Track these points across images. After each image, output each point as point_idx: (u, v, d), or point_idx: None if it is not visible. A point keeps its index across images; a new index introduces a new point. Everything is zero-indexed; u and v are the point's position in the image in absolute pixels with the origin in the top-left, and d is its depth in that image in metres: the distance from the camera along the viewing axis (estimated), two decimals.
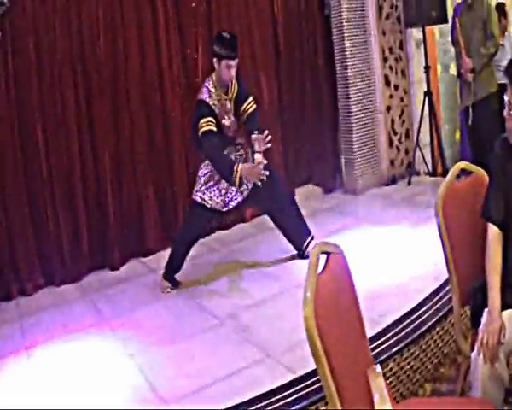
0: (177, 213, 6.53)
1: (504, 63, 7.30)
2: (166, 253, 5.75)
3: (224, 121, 5.20)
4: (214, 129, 5.02)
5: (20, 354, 4.50)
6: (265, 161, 5.03)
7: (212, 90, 5.16)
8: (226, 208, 5.34)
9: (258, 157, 5.03)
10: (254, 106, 5.34)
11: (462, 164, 3.13)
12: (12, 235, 5.65)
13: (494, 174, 2.88)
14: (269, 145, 5.06)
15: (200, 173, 5.36)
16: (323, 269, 2.10)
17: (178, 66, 6.59)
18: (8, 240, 5.63)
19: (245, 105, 5.27)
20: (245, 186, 5.23)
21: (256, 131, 5.13)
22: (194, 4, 6.60)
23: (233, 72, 5.10)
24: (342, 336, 2.10)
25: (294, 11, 7.59)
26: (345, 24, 7.45)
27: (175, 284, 5.39)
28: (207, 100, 5.11)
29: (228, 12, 6.87)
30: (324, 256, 2.15)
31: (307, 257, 4.99)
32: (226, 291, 5.16)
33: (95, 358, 4.32)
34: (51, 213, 5.84)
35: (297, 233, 5.48)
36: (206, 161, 5.26)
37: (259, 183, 4.99)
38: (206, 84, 5.22)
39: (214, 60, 5.12)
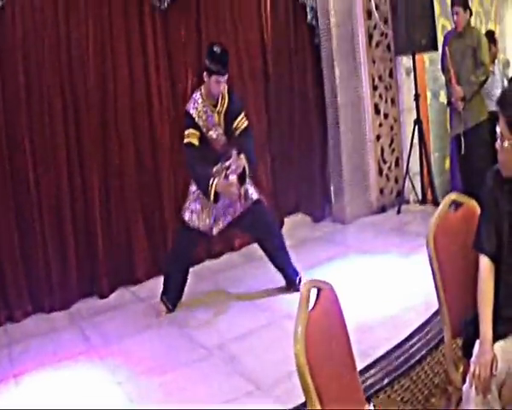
0: (166, 241, 6.47)
1: (495, 91, 7.48)
2: (155, 282, 5.82)
3: (210, 133, 5.17)
4: (194, 141, 5.08)
5: (8, 382, 4.45)
6: (235, 189, 5.01)
7: (199, 101, 5.16)
8: (212, 231, 5.31)
9: (232, 179, 5.00)
10: (246, 123, 5.26)
11: (454, 195, 3.12)
12: (0, 261, 5.60)
13: (486, 206, 2.86)
14: (240, 170, 5.02)
15: (190, 189, 5.37)
16: (314, 305, 2.11)
17: (167, 91, 6.59)
18: None
19: (236, 122, 5.19)
20: (231, 210, 5.23)
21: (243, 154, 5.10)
22: (183, 39, 6.65)
23: (222, 87, 5.09)
24: (333, 372, 2.08)
25: (284, 40, 7.61)
26: (334, 52, 7.47)
27: (170, 309, 5.40)
28: (191, 111, 5.14)
29: (217, 40, 6.81)
30: (315, 291, 2.14)
31: (296, 290, 5.04)
32: (215, 321, 5.12)
33: (83, 386, 4.29)
34: (40, 239, 5.79)
35: (287, 266, 5.42)
36: None
37: (239, 209, 5.12)
38: (194, 96, 5.25)
39: (204, 73, 5.11)
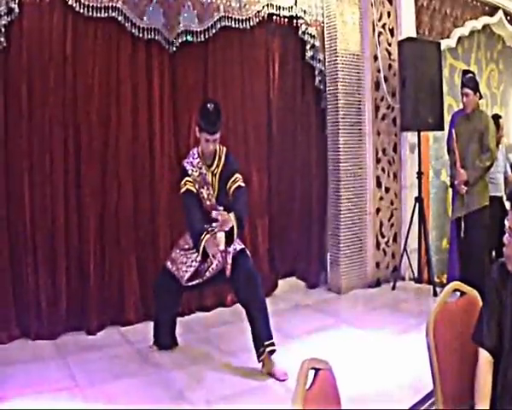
0: None
1: (496, 175, 7.51)
2: (145, 325, 5.83)
3: (202, 191, 5.11)
4: (192, 188, 5.04)
5: None
6: (222, 248, 4.86)
7: (196, 157, 5.13)
8: (189, 283, 5.19)
9: (220, 236, 4.85)
10: (238, 183, 5.08)
11: (456, 284, 3.10)
12: None
13: (489, 299, 2.84)
14: (227, 227, 4.84)
15: (179, 241, 5.34)
16: (311, 385, 2.07)
17: (170, 136, 6.60)
18: None
19: (230, 182, 5.07)
20: (211, 269, 5.13)
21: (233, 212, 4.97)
22: (189, 86, 6.67)
23: (211, 146, 4.99)
24: None
25: (290, 101, 7.66)
26: (340, 120, 7.53)
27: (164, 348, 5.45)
28: (187, 166, 5.11)
29: (224, 94, 6.90)
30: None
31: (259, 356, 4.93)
32: (201, 378, 4.97)
33: None
34: (32, 268, 5.75)
35: (261, 329, 5.03)
36: None
37: (228, 272, 4.99)
38: (192, 151, 5.23)
39: (196, 129, 5.09)
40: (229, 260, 4.96)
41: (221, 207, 5.04)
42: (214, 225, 4.91)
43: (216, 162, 5.13)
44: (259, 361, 4.96)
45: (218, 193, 5.13)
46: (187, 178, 5.06)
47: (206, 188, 5.11)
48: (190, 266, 5.14)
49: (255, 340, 5.00)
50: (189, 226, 5.07)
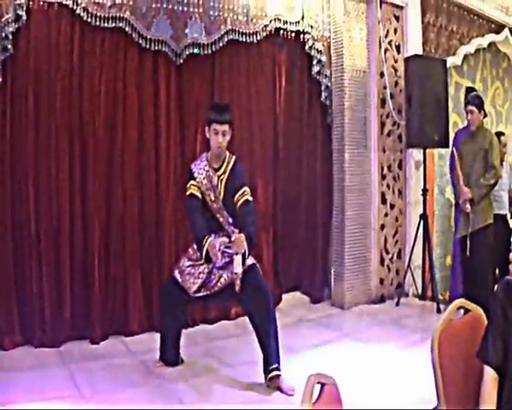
0: None
1: (500, 193, 7.50)
2: (149, 336, 5.92)
3: (209, 193, 5.09)
4: (196, 193, 5.06)
5: None
6: (239, 270, 4.81)
7: (204, 160, 5.16)
8: (197, 294, 5.14)
9: (237, 259, 4.79)
10: (246, 197, 5.05)
11: (461, 301, 3.08)
12: None
13: (494, 317, 2.82)
14: (243, 250, 4.77)
15: (188, 250, 5.31)
16: (317, 399, 2.05)
17: (176, 147, 6.61)
18: None
19: (238, 195, 5.03)
20: (220, 283, 5.08)
21: (239, 230, 4.99)
22: (195, 97, 6.66)
23: (220, 138, 4.98)
24: None
25: (296, 115, 7.66)
26: (346, 135, 7.54)
27: (170, 364, 5.38)
28: (193, 168, 5.15)
29: (230, 108, 6.85)
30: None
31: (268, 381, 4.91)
32: (205, 390, 4.94)
33: None
34: (36, 275, 5.75)
35: (271, 346, 4.99)
36: None
37: (237, 288, 4.93)
38: (202, 156, 5.26)
39: (206, 129, 5.11)
40: (240, 275, 4.89)
41: (236, 231, 5.03)
42: (231, 251, 4.91)
43: (223, 168, 5.14)
44: (266, 382, 4.94)
45: (223, 197, 5.11)
46: (192, 182, 5.09)
47: (212, 191, 5.10)
48: (198, 277, 5.10)
49: (264, 359, 4.99)
50: (192, 230, 5.11)
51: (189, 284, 5.12)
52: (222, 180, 5.12)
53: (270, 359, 4.95)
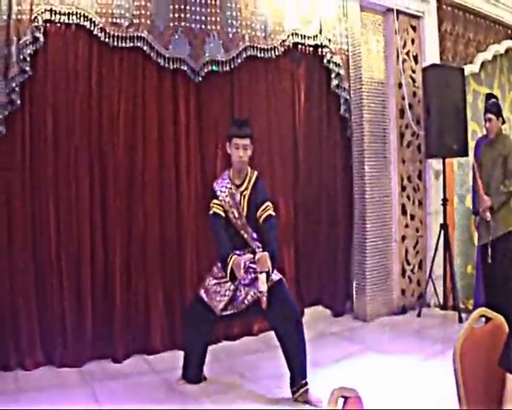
0: None
1: None
2: (172, 354, 5.94)
3: (232, 210, 5.12)
4: (219, 212, 5.08)
5: None
6: (264, 289, 4.77)
7: (226, 177, 5.20)
8: (224, 312, 5.16)
9: (262, 277, 4.78)
10: (269, 212, 5.06)
11: (482, 310, 3.08)
12: (15, 308, 5.60)
13: None
14: (267, 269, 4.76)
15: (213, 268, 5.31)
16: None
17: (196, 165, 6.63)
18: (12, 313, 5.59)
19: (260, 210, 5.05)
20: (247, 300, 5.09)
21: (262, 247, 5.02)
22: (215, 115, 6.70)
23: (241, 153, 5.02)
24: None
25: (315, 129, 7.68)
26: (366, 148, 7.57)
27: (193, 382, 5.38)
28: (215, 187, 5.18)
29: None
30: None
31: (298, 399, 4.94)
32: (228, 407, 4.92)
33: None
34: (57, 295, 5.79)
35: (297, 362, 5.04)
36: None
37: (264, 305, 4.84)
38: (224, 173, 5.29)
39: (227, 144, 5.16)
40: (265, 293, 4.83)
41: (260, 247, 5.06)
42: (256, 267, 4.90)
43: (245, 184, 5.17)
44: (294, 397, 4.98)
45: (247, 213, 5.13)
46: (214, 201, 5.12)
47: (235, 208, 5.12)
48: (224, 295, 5.12)
49: (291, 374, 5.02)
50: (217, 248, 5.12)
51: (215, 302, 5.14)
52: (245, 196, 5.14)
53: (299, 373, 4.99)
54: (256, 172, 5.25)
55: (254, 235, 5.14)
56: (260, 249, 5.00)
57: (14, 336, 5.59)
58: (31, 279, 5.69)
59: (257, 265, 4.86)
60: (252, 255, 5.02)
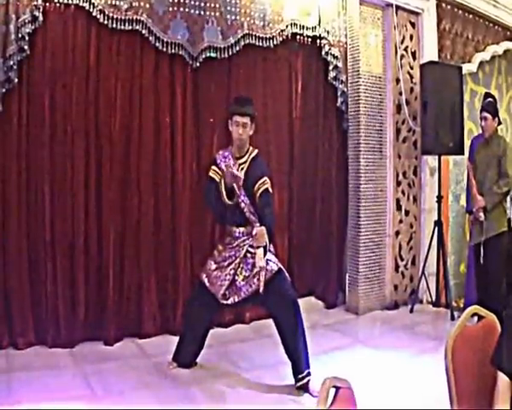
0: (177, 300, 6.44)
1: None
2: (163, 339, 5.96)
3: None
4: (214, 176, 5.16)
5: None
6: (262, 264, 4.87)
7: (228, 151, 5.22)
8: (225, 301, 5.13)
9: (259, 252, 4.87)
10: (266, 186, 5.07)
11: (475, 308, 3.07)
12: (8, 288, 5.61)
13: (509, 323, 2.80)
14: (264, 243, 4.88)
15: (216, 251, 5.31)
16: (332, 402, 2.05)
17: (192, 150, 6.62)
18: (4, 292, 5.59)
19: (258, 184, 5.07)
20: (249, 286, 5.06)
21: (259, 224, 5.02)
22: (211, 100, 6.70)
23: (241, 130, 5.03)
24: None
25: (312, 121, 7.65)
26: (362, 141, 7.55)
27: (184, 366, 5.39)
28: (216, 156, 5.26)
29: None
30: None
31: (300, 388, 4.94)
32: (220, 393, 4.93)
33: None
34: (50, 276, 5.79)
35: (299, 353, 5.04)
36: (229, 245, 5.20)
37: (261, 289, 4.90)
38: (229, 147, 5.32)
39: (229, 122, 5.15)
40: (262, 277, 4.89)
41: (257, 224, 5.04)
42: (254, 244, 4.95)
43: (245, 158, 5.18)
44: (296, 386, 5.00)
45: (244, 186, 5.08)
46: (213, 167, 5.20)
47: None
48: (224, 279, 5.10)
49: (293, 365, 5.04)
50: (211, 207, 5.31)
51: (216, 287, 5.12)
52: (243, 169, 5.13)
53: (301, 365, 5.00)
54: (256, 150, 5.26)
55: (252, 208, 5.10)
56: (257, 224, 5.01)
57: (7, 316, 5.59)
58: (25, 261, 5.69)
59: (254, 240, 4.91)
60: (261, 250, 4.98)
